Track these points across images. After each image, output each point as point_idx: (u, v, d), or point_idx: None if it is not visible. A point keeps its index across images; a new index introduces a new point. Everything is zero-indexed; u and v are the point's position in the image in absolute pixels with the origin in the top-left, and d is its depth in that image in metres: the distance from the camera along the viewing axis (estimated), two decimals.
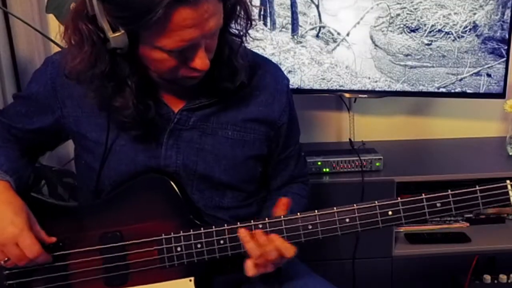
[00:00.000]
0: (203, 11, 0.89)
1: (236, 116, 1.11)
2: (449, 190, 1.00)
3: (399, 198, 1.01)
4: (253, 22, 1.03)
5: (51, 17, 1.72)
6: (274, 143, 1.18)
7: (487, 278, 1.82)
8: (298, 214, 1.03)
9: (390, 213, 1.01)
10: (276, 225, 1.03)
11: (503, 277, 1.82)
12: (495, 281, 1.82)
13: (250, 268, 1.03)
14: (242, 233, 1.02)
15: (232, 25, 1.03)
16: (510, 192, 0.99)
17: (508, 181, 1.00)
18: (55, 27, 1.85)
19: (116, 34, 0.91)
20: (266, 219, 1.04)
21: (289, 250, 1.00)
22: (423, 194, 1.00)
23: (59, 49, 1.61)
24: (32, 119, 1.12)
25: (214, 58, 1.00)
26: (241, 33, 1.03)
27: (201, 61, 0.96)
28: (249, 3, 1.00)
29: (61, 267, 1.07)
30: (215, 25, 0.94)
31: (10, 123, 1.13)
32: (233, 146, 1.11)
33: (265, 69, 1.15)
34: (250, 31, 1.05)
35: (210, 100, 1.08)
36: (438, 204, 1.00)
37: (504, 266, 1.86)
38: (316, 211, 1.03)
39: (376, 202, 1.01)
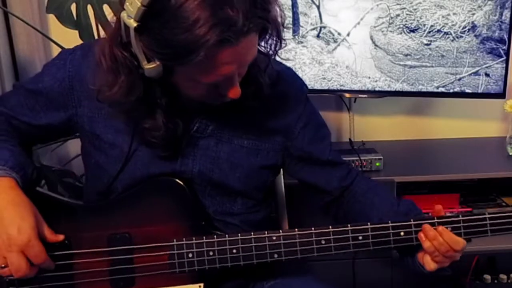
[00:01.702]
0: (242, 48, 0.88)
1: (252, 125, 1.11)
2: (460, 216, 1.04)
3: (412, 220, 1.04)
4: (283, 43, 1.00)
5: (51, 17, 1.71)
6: (294, 151, 1.16)
7: (487, 278, 1.84)
8: (313, 229, 1.04)
9: (402, 233, 1.04)
10: (290, 238, 1.04)
11: (503, 277, 1.84)
12: (495, 281, 1.84)
13: (429, 263, 1.03)
14: (422, 233, 1.02)
15: (262, 43, 1.00)
16: None
17: None
18: (55, 27, 1.85)
19: (151, 66, 0.90)
20: (281, 231, 1.04)
21: (458, 243, 1.01)
22: (435, 218, 1.04)
23: (59, 49, 1.62)
24: (39, 114, 1.09)
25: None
26: (270, 52, 1.01)
27: (233, 91, 0.96)
28: (281, 24, 0.96)
29: (66, 266, 1.05)
30: (252, 58, 0.94)
31: (12, 114, 1.10)
32: (248, 155, 1.11)
33: (283, 78, 1.14)
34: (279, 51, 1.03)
35: (230, 111, 1.07)
36: (449, 228, 1.03)
37: (504, 266, 1.88)
38: (330, 226, 1.04)
39: (389, 222, 1.04)
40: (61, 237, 1.03)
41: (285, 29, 0.99)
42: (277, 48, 1.01)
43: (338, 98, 2.02)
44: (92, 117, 1.08)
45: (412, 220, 1.04)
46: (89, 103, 1.07)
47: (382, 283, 1.85)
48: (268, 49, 1.01)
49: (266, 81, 1.05)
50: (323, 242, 1.03)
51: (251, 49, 0.92)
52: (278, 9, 0.94)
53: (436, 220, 1.03)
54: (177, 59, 0.87)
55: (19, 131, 1.11)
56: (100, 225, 1.06)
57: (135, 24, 0.85)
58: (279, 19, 0.95)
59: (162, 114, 0.99)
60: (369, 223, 1.04)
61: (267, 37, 0.97)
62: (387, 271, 1.83)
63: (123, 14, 0.86)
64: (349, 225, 1.04)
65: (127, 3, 0.84)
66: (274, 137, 1.13)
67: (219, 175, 1.10)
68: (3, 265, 0.97)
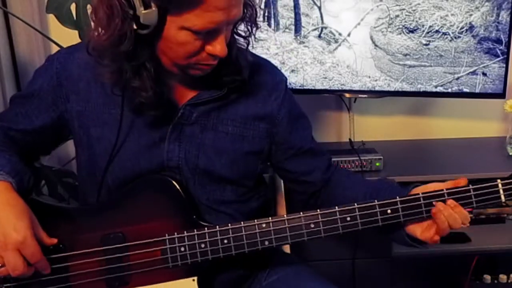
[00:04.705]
0: None
1: (236, 112, 1.15)
2: (444, 189, 1.06)
3: (397, 197, 1.06)
4: (258, 25, 1.09)
5: (51, 17, 1.73)
6: (279, 139, 1.21)
7: (487, 278, 1.86)
8: (301, 213, 1.07)
9: (389, 211, 1.06)
10: (279, 224, 1.07)
11: (503, 277, 1.86)
12: (495, 281, 1.86)
13: (433, 237, 1.06)
14: (438, 207, 1.04)
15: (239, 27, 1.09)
16: (501, 190, 1.06)
17: (499, 180, 1.06)
18: (55, 27, 1.87)
19: (148, 11, 0.94)
20: (270, 218, 1.07)
21: (467, 217, 1.05)
22: (420, 193, 1.06)
23: (59, 49, 1.64)
24: (31, 118, 1.13)
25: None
26: (247, 34, 1.09)
27: (221, 47, 1.01)
28: (256, 8, 1.06)
29: (61, 268, 1.07)
30: (238, 14, 1.00)
31: (8, 125, 1.13)
32: (232, 142, 1.15)
33: (263, 68, 1.21)
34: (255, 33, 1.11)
35: (213, 95, 1.12)
36: (434, 203, 1.06)
37: (504, 266, 1.90)
38: (318, 210, 1.07)
39: (375, 201, 1.07)
40: (55, 240, 1.05)
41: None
42: (253, 31, 1.09)
43: (338, 98, 2.04)
44: (80, 111, 1.12)
45: (398, 197, 1.06)
46: (77, 97, 1.12)
47: (382, 283, 1.87)
48: (246, 32, 1.09)
49: (245, 63, 1.11)
50: (312, 225, 1.07)
51: (239, 3, 0.99)
52: None
53: (421, 196, 1.06)
54: None
55: (17, 142, 1.14)
56: (93, 226, 1.09)
57: None
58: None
59: (150, 78, 1.03)
60: (355, 204, 1.07)
61: (245, 20, 1.05)
62: (386, 271, 1.85)
63: None
64: (336, 207, 1.07)
65: None
66: (258, 123, 1.17)
67: (205, 162, 1.14)
68: (0, 265, 0.99)
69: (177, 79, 1.11)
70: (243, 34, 1.10)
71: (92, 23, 1.03)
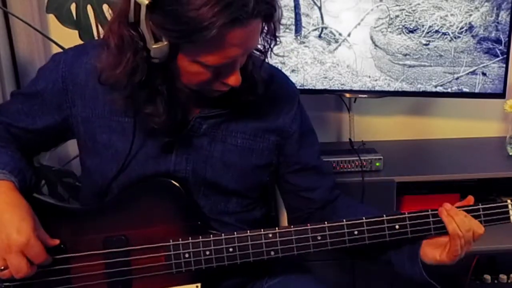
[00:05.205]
0: (250, 31, 0.92)
1: (246, 125, 1.13)
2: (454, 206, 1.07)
3: (406, 213, 1.07)
4: (278, 40, 1.04)
5: (51, 17, 1.74)
6: (286, 152, 1.19)
7: (487, 278, 1.86)
8: (308, 225, 1.07)
9: (397, 227, 1.07)
10: (286, 235, 1.06)
11: (503, 277, 1.87)
12: (495, 281, 1.86)
13: (450, 255, 1.05)
14: (444, 212, 1.04)
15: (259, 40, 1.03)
16: (510, 211, 1.08)
17: (509, 201, 1.08)
18: (55, 27, 1.86)
19: (158, 45, 0.92)
20: (276, 228, 1.07)
21: (479, 226, 1.05)
22: (429, 210, 1.07)
23: (59, 49, 1.64)
24: (35, 118, 1.11)
25: None
26: (265, 49, 1.05)
27: (235, 78, 0.99)
28: (277, 21, 1.00)
29: (62, 270, 1.06)
30: (255, 44, 0.98)
31: (10, 122, 1.12)
32: (241, 155, 1.14)
33: (276, 79, 1.17)
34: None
35: (225, 109, 1.10)
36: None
37: (504, 266, 1.90)
38: (326, 222, 1.07)
39: (384, 216, 1.07)
40: (56, 241, 1.04)
41: (281, 26, 1.02)
42: (272, 45, 1.04)
43: (338, 98, 2.04)
44: (86, 117, 1.10)
45: (406, 213, 1.07)
46: (83, 102, 1.09)
47: (382, 283, 1.87)
48: (265, 46, 1.04)
49: (260, 79, 1.08)
50: (319, 238, 1.06)
51: (256, 34, 0.95)
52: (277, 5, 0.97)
53: (430, 213, 1.06)
54: (188, 36, 0.89)
55: (19, 139, 1.13)
56: (96, 228, 1.08)
57: (147, 1, 0.88)
58: (278, 15, 0.98)
59: (163, 102, 1.01)
60: (364, 218, 1.07)
61: (265, 32, 1.00)
62: (387, 271, 1.85)
63: None
64: (344, 220, 1.07)
65: None
66: (269, 136, 1.16)
67: (212, 174, 1.12)
68: (2, 267, 0.98)
69: (189, 95, 1.06)
70: (260, 48, 1.05)
71: (102, 50, 1.01)
